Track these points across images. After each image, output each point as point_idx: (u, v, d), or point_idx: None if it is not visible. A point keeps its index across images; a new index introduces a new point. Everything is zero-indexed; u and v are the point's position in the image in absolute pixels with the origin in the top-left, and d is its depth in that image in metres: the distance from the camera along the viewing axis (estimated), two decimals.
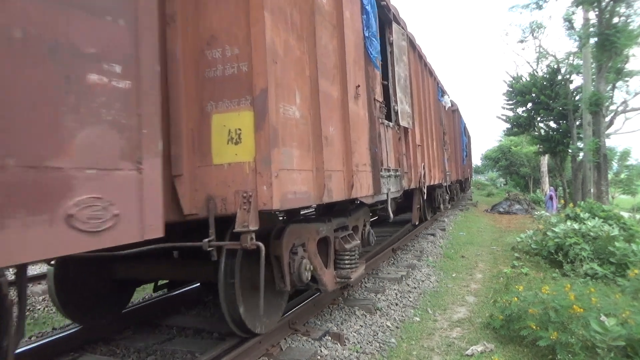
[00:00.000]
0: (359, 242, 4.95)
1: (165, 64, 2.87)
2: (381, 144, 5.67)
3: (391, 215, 6.02)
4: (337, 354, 3.87)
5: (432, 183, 9.68)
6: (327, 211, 5.11)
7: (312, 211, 6.44)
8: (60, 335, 4.02)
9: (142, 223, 2.06)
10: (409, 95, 7.45)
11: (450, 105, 14.01)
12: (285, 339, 4.05)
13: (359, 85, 4.77)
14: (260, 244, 2.86)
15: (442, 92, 12.75)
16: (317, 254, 4.09)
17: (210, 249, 2.94)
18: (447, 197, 13.48)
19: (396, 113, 6.72)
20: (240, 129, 2.90)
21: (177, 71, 2.91)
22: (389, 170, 5.94)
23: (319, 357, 3.77)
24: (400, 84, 6.90)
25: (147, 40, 2.16)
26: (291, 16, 3.42)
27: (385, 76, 6.51)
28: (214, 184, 2.93)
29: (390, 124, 6.43)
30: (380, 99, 5.86)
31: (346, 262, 4.54)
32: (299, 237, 3.82)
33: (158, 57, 2.24)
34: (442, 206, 12.65)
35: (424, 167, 8.44)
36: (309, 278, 3.78)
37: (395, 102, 6.73)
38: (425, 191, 8.44)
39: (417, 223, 9.68)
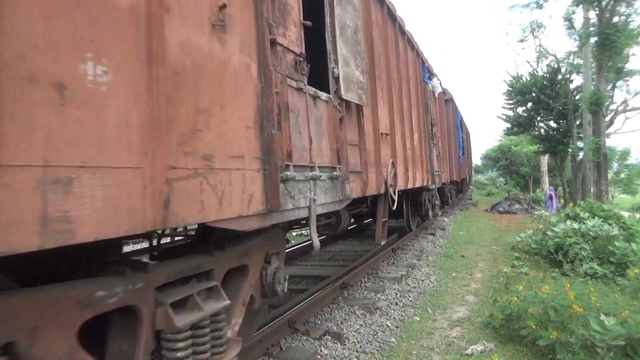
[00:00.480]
0: (227, 302, 2.54)
1: None
2: (293, 124, 3.26)
3: (316, 242, 3.59)
4: (337, 353, 3.87)
5: (411, 186, 7.67)
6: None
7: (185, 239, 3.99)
8: None
9: None
10: (362, 58, 4.98)
11: (441, 90, 11.78)
12: (285, 338, 4.05)
13: (224, 5, 2.50)
14: None
15: (430, 74, 10.53)
16: (79, 349, 1.83)
17: None
18: (436, 203, 11.22)
19: (336, 79, 4.22)
20: None
21: None
22: (312, 169, 3.52)
23: (318, 357, 3.78)
24: (345, 37, 4.45)
25: None
26: None
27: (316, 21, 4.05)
28: None
29: (323, 95, 3.94)
30: (298, 50, 3.51)
31: (177, 354, 2.21)
32: None
33: None
34: (430, 213, 10.36)
35: (393, 165, 6.34)
36: None
37: (335, 61, 4.22)
38: (396, 198, 6.28)
39: (382, 243, 6.75)
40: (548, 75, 24.51)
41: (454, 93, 15.87)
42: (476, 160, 54.93)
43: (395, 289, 5.88)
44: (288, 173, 3.07)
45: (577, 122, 21.41)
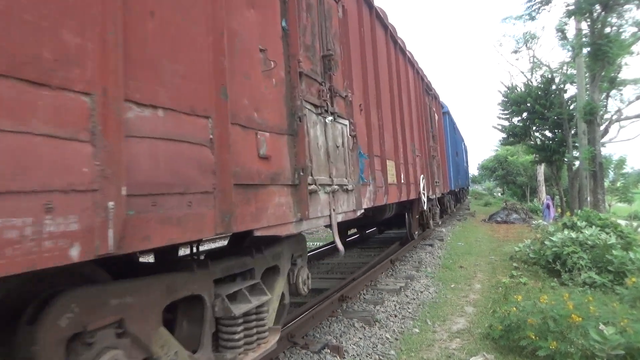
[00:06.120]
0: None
1: None
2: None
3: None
4: None
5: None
6: None
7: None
8: None
9: None
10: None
11: None
12: (284, 352, 4.03)
13: None
14: None
15: None
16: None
17: None
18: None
19: None
20: None
21: None
22: None
23: None
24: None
25: None
26: None
27: None
28: None
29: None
30: None
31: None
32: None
33: None
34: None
35: None
36: None
37: None
38: None
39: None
40: (542, 86, 24.72)
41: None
42: (473, 170, 55.15)
43: (394, 300, 5.86)
44: None
45: (572, 132, 21.55)
